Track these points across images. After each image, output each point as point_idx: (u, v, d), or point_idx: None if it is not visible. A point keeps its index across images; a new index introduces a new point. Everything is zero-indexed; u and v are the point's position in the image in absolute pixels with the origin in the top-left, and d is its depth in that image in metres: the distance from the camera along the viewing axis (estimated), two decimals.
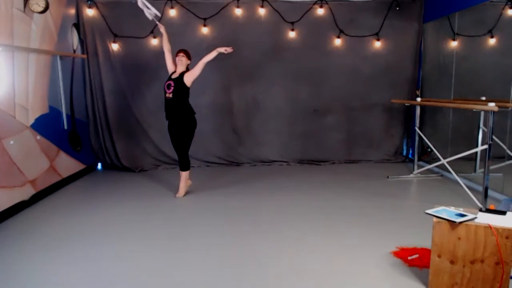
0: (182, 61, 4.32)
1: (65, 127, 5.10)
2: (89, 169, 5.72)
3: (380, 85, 6.14)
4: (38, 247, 3.14)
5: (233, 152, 6.13)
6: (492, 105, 3.63)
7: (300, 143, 6.15)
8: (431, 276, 2.39)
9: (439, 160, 4.76)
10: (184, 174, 4.49)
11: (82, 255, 2.99)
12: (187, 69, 4.37)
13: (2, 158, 3.74)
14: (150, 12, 4.49)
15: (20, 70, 4.13)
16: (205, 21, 5.79)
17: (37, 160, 4.38)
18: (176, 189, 4.80)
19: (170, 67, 4.42)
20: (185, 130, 4.34)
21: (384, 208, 4.04)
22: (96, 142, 5.91)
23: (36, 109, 4.43)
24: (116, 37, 5.71)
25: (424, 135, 5.32)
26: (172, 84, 4.26)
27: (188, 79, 4.28)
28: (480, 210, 2.46)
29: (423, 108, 5.53)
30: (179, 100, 4.27)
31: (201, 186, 4.97)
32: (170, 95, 4.25)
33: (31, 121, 4.30)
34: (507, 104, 4.13)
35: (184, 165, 4.45)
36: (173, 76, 4.33)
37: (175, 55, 4.37)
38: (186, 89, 4.29)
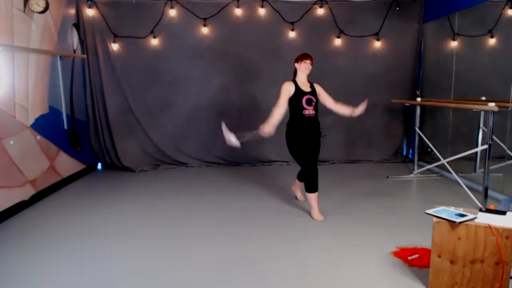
0: (310, 69, 3.73)
1: (65, 127, 5.10)
2: (89, 169, 5.73)
3: (380, 85, 6.13)
4: (38, 247, 3.15)
5: (233, 152, 6.12)
6: (492, 105, 3.63)
7: None
8: (431, 276, 2.39)
9: (439, 160, 4.76)
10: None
11: (82, 255, 2.99)
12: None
13: (2, 158, 3.74)
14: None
15: (20, 70, 4.13)
16: (205, 21, 5.79)
17: (37, 160, 4.38)
18: (177, 190, 4.81)
19: (288, 95, 3.67)
20: (320, 144, 3.87)
21: (384, 208, 4.04)
22: (96, 142, 5.91)
23: (36, 109, 4.43)
24: (116, 37, 5.71)
25: (424, 135, 5.32)
26: (313, 99, 3.69)
27: (319, 94, 3.76)
28: (480, 210, 2.46)
29: (423, 108, 5.53)
30: (318, 117, 3.75)
31: (201, 186, 4.97)
32: (313, 112, 3.68)
33: (31, 121, 4.30)
34: (507, 104, 4.13)
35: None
36: (306, 89, 3.70)
37: (298, 60, 3.72)
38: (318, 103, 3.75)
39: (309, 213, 3.85)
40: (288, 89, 3.67)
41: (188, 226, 3.60)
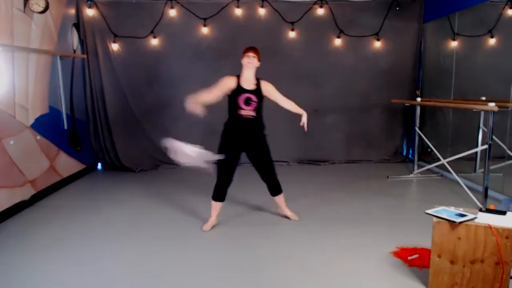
0: (253, 62, 3.33)
1: (65, 127, 5.10)
2: (89, 169, 5.72)
3: (380, 85, 6.13)
4: (38, 247, 3.15)
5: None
6: (492, 105, 3.63)
7: (300, 143, 6.15)
8: (431, 276, 2.39)
9: (439, 160, 4.76)
10: (282, 196, 3.70)
11: (82, 255, 2.99)
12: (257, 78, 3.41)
13: (2, 158, 3.74)
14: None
15: (20, 70, 4.13)
16: (205, 21, 5.79)
17: (37, 160, 4.38)
18: (177, 190, 4.81)
19: (223, 89, 3.36)
20: (267, 148, 3.51)
21: (384, 208, 4.04)
22: (96, 142, 5.90)
23: (36, 109, 4.43)
24: (116, 37, 5.71)
25: (424, 135, 5.32)
26: (254, 99, 3.30)
27: (267, 93, 3.39)
28: (480, 210, 2.46)
29: (423, 108, 5.53)
30: (260, 119, 3.37)
31: (201, 186, 4.96)
32: (253, 114, 3.30)
33: (31, 121, 4.30)
34: (507, 104, 4.13)
35: (279, 187, 3.66)
36: (248, 87, 3.31)
37: (243, 51, 3.38)
38: (262, 103, 3.39)
39: (203, 222, 3.55)
40: (224, 82, 3.32)
41: (188, 226, 3.60)
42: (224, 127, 3.46)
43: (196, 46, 5.85)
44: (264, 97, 3.41)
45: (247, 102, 3.30)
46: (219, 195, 3.48)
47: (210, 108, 6.02)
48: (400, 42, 6.07)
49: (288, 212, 3.73)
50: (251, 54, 3.34)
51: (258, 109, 3.36)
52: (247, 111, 3.30)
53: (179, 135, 5.96)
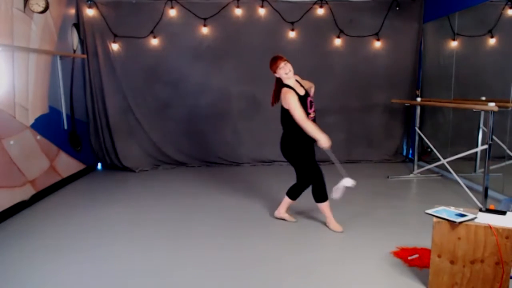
0: (291, 69, 3.33)
1: (65, 127, 5.10)
2: (89, 169, 5.73)
3: (380, 85, 6.13)
4: (38, 247, 3.15)
5: (233, 152, 6.13)
6: (492, 105, 3.63)
7: None
8: (431, 276, 2.39)
9: (439, 160, 4.76)
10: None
11: (82, 255, 2.99)
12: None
13: (2, 158, 3.74)
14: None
15: (20, 70, 4.13)
16: (205, 21, 5.79)
17: (37, 160, 4.38)
18: (177, 190, 4.81)
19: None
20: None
21: (384, 208, 4.04)
22: (96, 142, 5.91)
23: (36, 109, 4.43)
24: (116, 37, 5.71)
25: (424, 135, 5.32)
26: (313, 101, 3.38)
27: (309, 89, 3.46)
28: (480, 210, 2.46)
29: (423, 108, 5.53)
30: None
31: (201, 186, 4.97)
32: (314, 114, 3.36)
33: (31, 121, 4.30)
34: (507, 104, 4.13)
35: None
36: (302, 92, 3.30)
37: (273, 70, 3.38)
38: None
39: (324, 223, 3.55)
40: (295, 96, 3.21)
41: (188, 227, 3.60)
42: (296, 139, 3.33)
43: (196, 46, 5.85)
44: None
45: (311, 104, 3.34)
46: (324, 195, 3.46)
47: (187, 107, 5.92)
48: (400, 42, 6.07)
49: (287, 215, 3.69)
50: (283, 63, 3.27)
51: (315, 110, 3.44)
52: (313, 114, 3.35)
53: (179, 134, 6.01)
